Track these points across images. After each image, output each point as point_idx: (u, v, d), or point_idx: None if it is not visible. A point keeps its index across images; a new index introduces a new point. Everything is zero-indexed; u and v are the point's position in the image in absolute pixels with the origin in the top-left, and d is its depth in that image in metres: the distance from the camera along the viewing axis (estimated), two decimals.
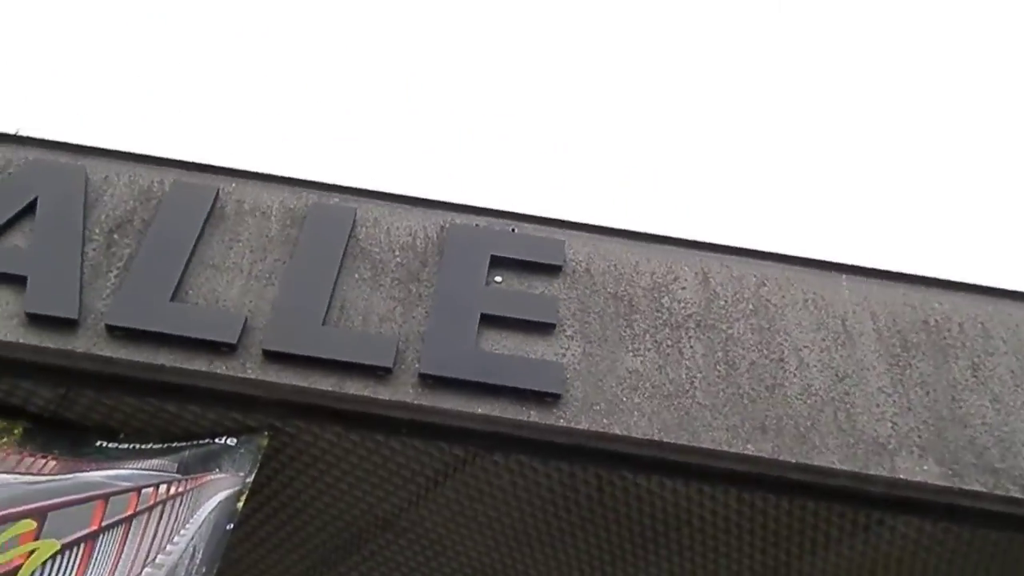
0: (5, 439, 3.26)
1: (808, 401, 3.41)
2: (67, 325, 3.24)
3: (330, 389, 3.23)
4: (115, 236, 3.53)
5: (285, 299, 3.40)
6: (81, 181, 3.62)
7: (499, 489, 3.56)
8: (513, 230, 3.77)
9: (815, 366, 3.52)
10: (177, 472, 3.21)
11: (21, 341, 3.21)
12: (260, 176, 3.78)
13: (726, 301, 3.68)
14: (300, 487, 3.64)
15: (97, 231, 3.53)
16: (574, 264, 3.70)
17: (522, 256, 3.67)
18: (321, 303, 3.38)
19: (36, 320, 3.24)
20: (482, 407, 3.23)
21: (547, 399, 3.27)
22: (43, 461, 3.19)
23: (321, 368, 3.26)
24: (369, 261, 3.59)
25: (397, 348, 3.30)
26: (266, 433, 3.32)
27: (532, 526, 3.77)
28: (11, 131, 3.78)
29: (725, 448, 3.27)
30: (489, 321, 3.44)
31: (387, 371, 3.26)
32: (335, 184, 3.79)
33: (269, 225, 3.64)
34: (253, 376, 3.23)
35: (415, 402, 3.25)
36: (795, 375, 3.48)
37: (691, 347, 3.51)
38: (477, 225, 3.76)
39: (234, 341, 3.24)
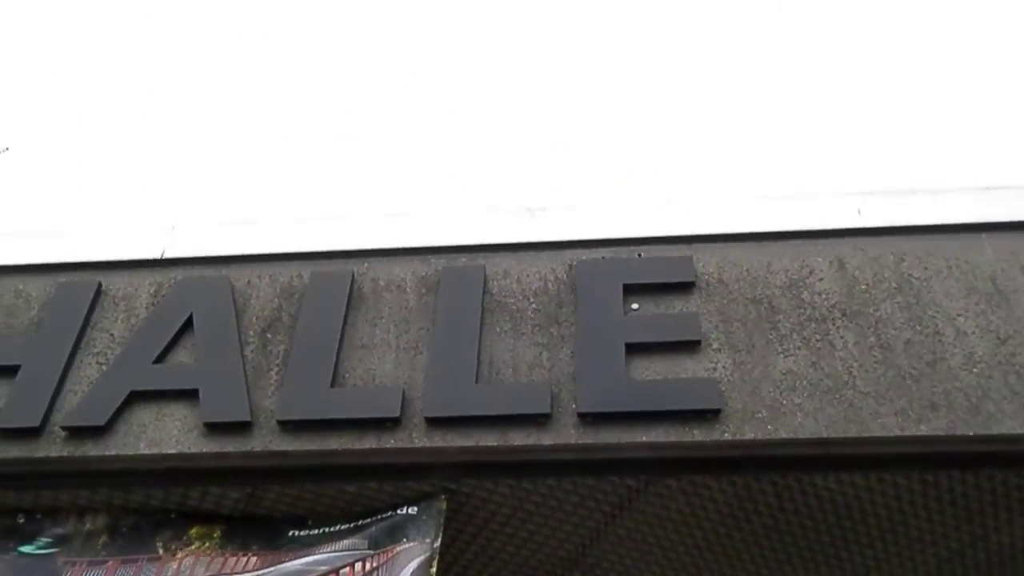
0: (207, 543, 3.46)
1: (974, 370, 3.33)
2: (242, 428, 3.43)
3: (495, 444, 3.32)
4: (268, 335, 3.71)
5: (436, 365, 3.51)
6: (227, 290, 3.83)
7: (676, 512, 3.58)
8: (639, 255, 3.80)
9: (973, 333, 3.44)
10: (368, 548, 3.34)
11: (205, 451, 3.42)
12: (388, 251, 3.92)
13: (867, 284, 3.62)
14: (484, 542, 3.74)
15: (251, 333, 3.72)
16: (706, 277, 3.71)
17: (654, 279, 3.70)
18: (470, 363, 3.49)
19: (214, 428, 3.44)
20: (646, 435, 3.27)
21: (708, 416, 3.28)
22: (245, 559, 3.38)
23: (483, 425, 3.36)
24: (507, 313, 3.68)
25: (551, 392, 3.38)
26: (443, 496, 3.42)
27: (715, 542, 3.77)
28: (156, 255, 4.03)
29: (897, 433, 3.22)
30: (635, 349, 3.48)
31: (546, 417, 3.34)
32: (460, 245, 3.89)
33: (406, 297, 3.78)
34: (421, 445, 3.35)
35: (578, 442, 3.31)
36: (955, 346, 3.40)
37: (841, 337, 3.47)
38: (603, 257, 3.81)
39: (397, 414, 3.37)
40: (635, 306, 3.64)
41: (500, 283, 3.78)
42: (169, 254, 4.05)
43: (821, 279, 3.66)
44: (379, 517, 3.42)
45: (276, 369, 3.61)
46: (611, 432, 3.31)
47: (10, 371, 3.67)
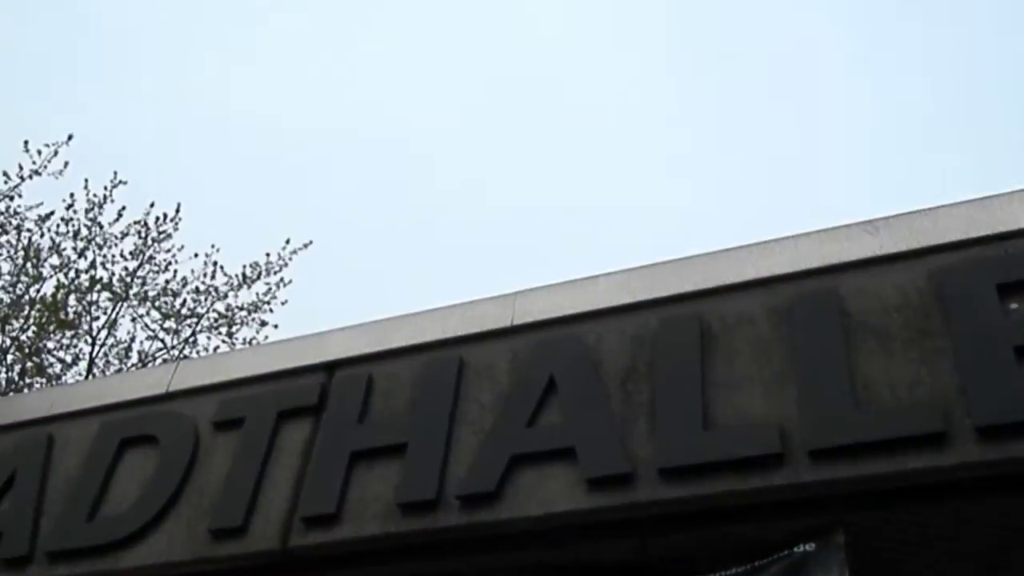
0: None
1: None
2: (624, 480, 3.49)
3: (888, 470, 3.18)
4: (628, 387, 3.77)
5: (808, 395, 3.42)
6: (583, 345, 3.94)
7: None
8: (1007, 251, 3.54)
9: None
10: None
11: (593, 506, 3.50)
12: (732, 287, 3.88)
13: None
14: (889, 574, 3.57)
15: (612, 386, 3.80)
16: None
17: None
18: (844, 388, 3.37)
19: (596, 483, 3.53)
20: None
21: None
22: None
23: (871, 451, 3.22)
24: (871, 332, 3.52)
25: (942, 409, 3.19)
26: (839, 530, 3.31)
27: None
28: (506, 323, 4.22)
29: None
30: None
31: (940, 436, 3.15)
32: (806, 270, 3.79)
33: (759, 330, 3.72)
34: (809, 479, 3.26)
35: (983, 459, 3.10)
36: None
37: None
38: (965, 259, 3.58)
39: (779, 450, 3.31)
40: (1014, 306, 3.38)
41: (857, 302, 3.64)
42: (518, 321, 4.22)
43: None
44: (776, 557, 3.35)
45: (643, 418, 3.65)
46: (1018, 445, 3.07)
47: (398, 449, 3.95)
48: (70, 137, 15.93)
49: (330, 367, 4.44)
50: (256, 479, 4.11)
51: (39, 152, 15.79)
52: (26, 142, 15.67)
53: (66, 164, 15.93)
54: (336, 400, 4.30)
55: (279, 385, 4.50)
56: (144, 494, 4.29)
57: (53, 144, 15.68)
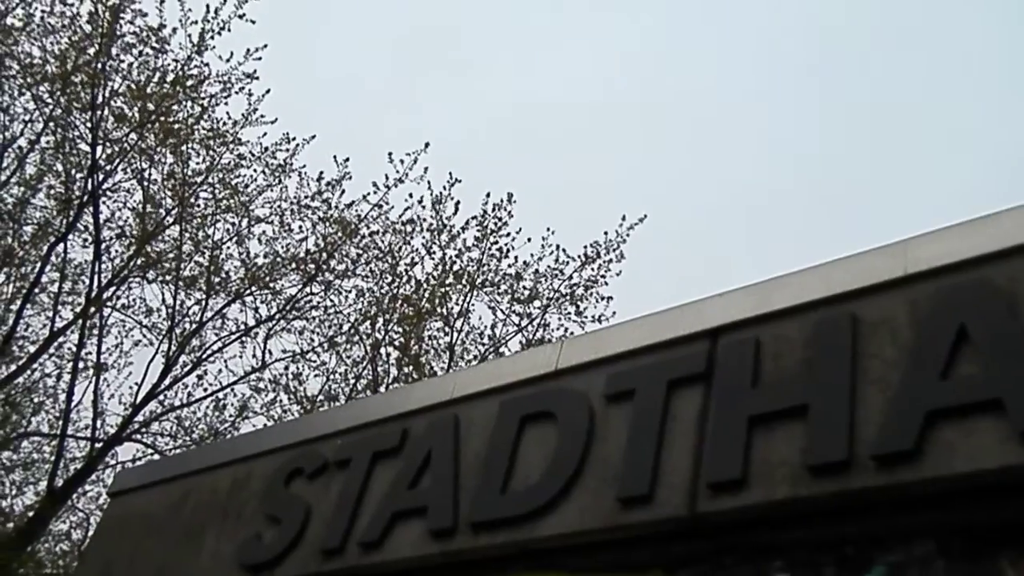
0: None
1: None
2: None
3: None
4: None
5: None
6: (993, 288, 3.64)
7: None
8: None
9: None
10: None
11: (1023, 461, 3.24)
12: None
13: None
14: None
15: None
16: None
17: None
18: None
19: None
20: None
21: None
22: None
23: None
24: None
25: None
26: None
27: None
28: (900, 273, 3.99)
29: None
30: None
31: None
32: None
33: None
34: None
35: None
36: None
37: None
38: None
39: None
40: None
41: None
42: (912, 270, 3.98)
43: None
44: None
45: None
46: None
47: (799, 411, 3.87)
48: (427, 145, 17.29)
49: (714, 333, 4.44)
50: (656, 448, 4.20)
51: (401, 161, 17.27)
52: (390, 154, 17.21)
53: (426, 170, 17.30)
54: (724, 366, 4.28)
55: (663, 355, 4.57)
56: (549, 467, 4.52)
57: (413, 152, 17.07)
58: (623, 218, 17.74)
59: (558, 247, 17.94)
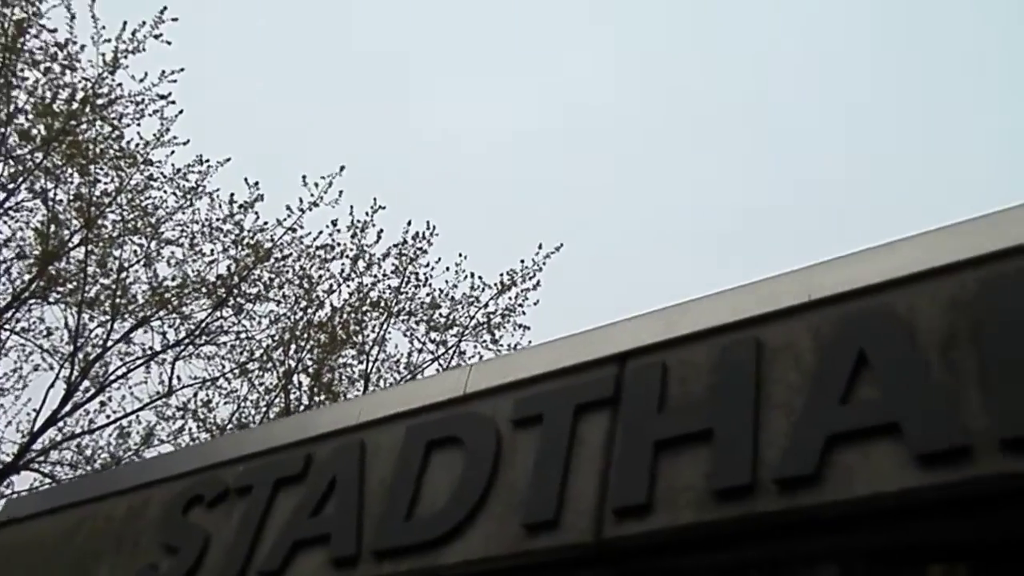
0: None
1: None
2: (960, 454, 3.24)
3: None
4: (950, 355, 3.50)
5: None
6: (893, 315, 3.70)
7: None
8: None
9: None
10: None
11: (926, 484, 3.27)
12: None
13: None
14: None
15: (932, 355, 3.53)
16: None
17: None
18: None
19: (928, 459, 3.29)
20: None
21: None
22: None
23: None
24: None
25: None
26: None
27: None
28: (805, 298, 4.03)
29: None
30: None
31: None
32: None
33: None
34: None
35: None
36: None
37: None
38: None
39: None
40: None
41: None
42: (816, 296, 4.03)
43: None
44: None
45: (973, 387, 3.37)
46: None
47: (704, 436, 3.86)
48: (342, 168, 17.11)
49: (622, 358, 4.43)
50: (562, 473, 4.15)
51: (316, 184, 17.06)
52: (304, 176, 16.99)
53: (340, 194, 17.12)
54: (631, 390, 4.27)
55: (572, 380, 4.54)
56: (455, 493, 4.45)
57: (328, 176, 16.88)
58: (539, 246, 17.82)
59: (473, 274, 17.94)
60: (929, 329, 3.61)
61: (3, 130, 16.52)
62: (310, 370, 18.24)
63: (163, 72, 17.01)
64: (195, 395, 18.15)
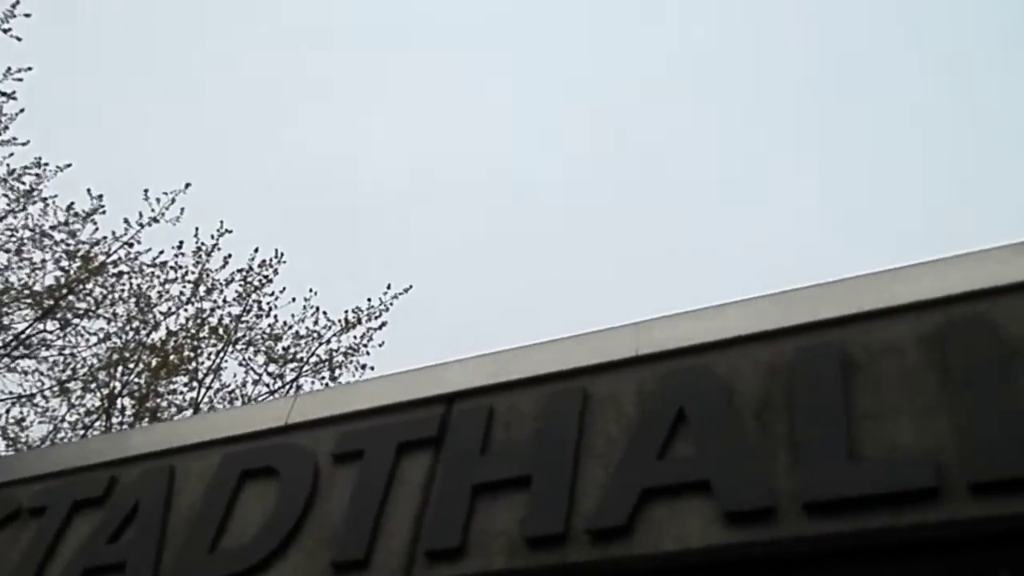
0: None
1: None
2: (766, 514, 3.31)
3: None
4: (764, 418, 3.60)
5: (964, 427, 3.20)
6: (714, 376, 3.78)
7: None
8: None
9: None
10: None
11: (733, 542, 3.33)
12: (877, 313, 3.69)
13: None
14: None
15: (747, 417, 3.62)
16: None
17: None
18: (1017, 417, 3.14)
19: (736, 517, 3.36)
20: None
21: None
22: None
23: None
24: None
25: None
26: (1003, 571, 3.07)
27: None
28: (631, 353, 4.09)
29: None
30: None
31: None
32: (959, 294, 3.58)
33: (905, 360, 3.51)
34: (969, 515, 3.04)
35: None
36: None
37: None
38: None
39: (934, 484, 3.10)
40: None
41: (1011, 328, 3.42)
42: (643, 351, 4.09)
43: None
44: None
45: (783, 450, 3.47)
46: None
47: (523, 482, 3.84)
48: (187, 185, 16.49)
49: (449, 399, 4.37)
50: (377, 511, 4.04)
51: (158, 200, 16.36)
52: (146, 190, 16.28)
53: (182, 211, 16.47)
54: (456, 432, 4.22)
55: (397, 417, 4.45)
56: (266, 526, 4.26)
57: (171, 192, 16.24)
58: (388, 286, 17.63)
59: (318, 309, 17.55)
60: (747, 392, 3.71)
61: None
62: (136, 394, 17.39)
63: (9, 68, 16.10)
64: (7, 411, 17.00)
